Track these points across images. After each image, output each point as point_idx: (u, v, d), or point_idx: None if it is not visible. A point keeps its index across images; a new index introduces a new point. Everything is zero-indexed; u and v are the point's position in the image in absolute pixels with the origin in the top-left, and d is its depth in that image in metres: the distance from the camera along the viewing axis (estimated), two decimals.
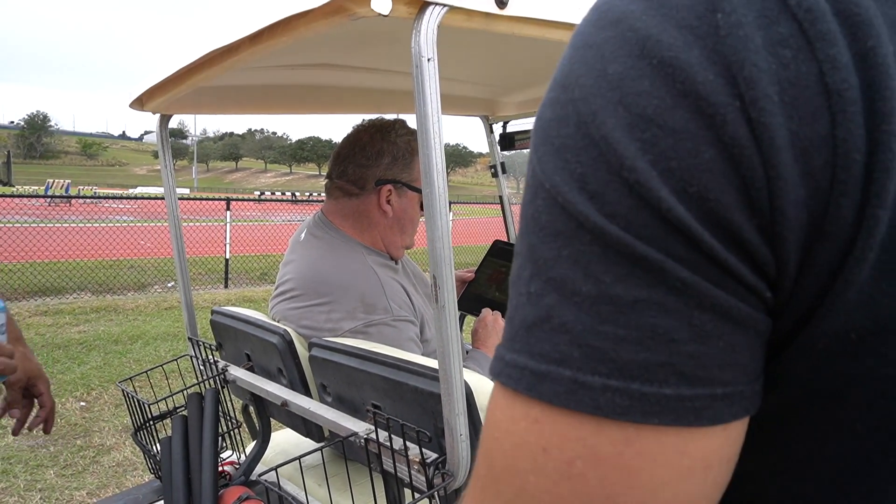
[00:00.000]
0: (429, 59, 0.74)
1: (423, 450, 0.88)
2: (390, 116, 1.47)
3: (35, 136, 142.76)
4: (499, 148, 1.91)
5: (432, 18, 0.75)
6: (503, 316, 1.05)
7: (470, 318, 1.60)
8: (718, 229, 0.25)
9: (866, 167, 0.25)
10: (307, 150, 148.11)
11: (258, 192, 57.79)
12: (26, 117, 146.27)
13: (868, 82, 0.24)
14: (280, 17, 0.83)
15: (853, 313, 0.26)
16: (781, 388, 0.29)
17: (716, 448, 0.27)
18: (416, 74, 0.75)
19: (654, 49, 0.26)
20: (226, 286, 8.16)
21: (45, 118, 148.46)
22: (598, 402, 0.26)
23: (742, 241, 0.26)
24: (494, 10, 0.79)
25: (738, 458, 0.30)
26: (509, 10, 0.80)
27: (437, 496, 0.85)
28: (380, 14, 0.73)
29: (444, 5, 0.75)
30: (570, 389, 0.27)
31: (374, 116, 1.48)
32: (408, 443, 0.88)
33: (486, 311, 1.50)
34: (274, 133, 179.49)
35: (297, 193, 48.51)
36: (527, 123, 1.86)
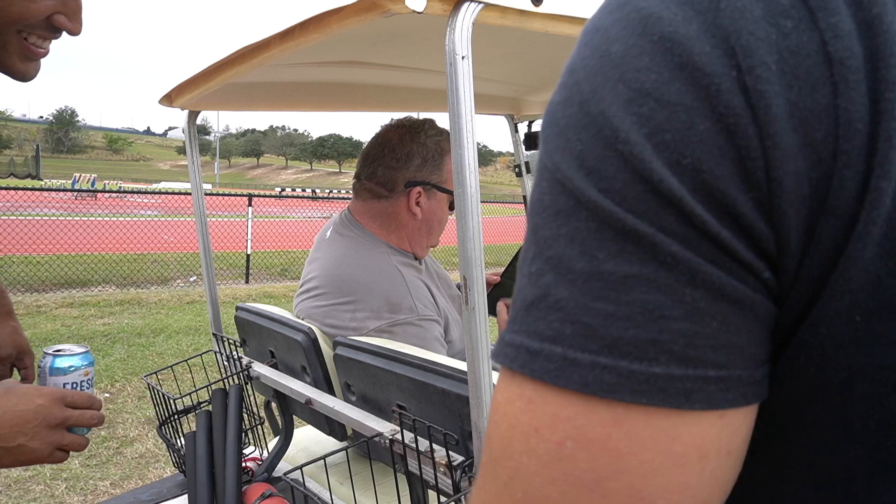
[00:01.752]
0: (463, 57, 0.73)
1: (450, 452, 0.87)
2: (415, 115, 1.46)
3: (63, 130, 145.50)
4: (523, 147, 1.89)
5: (467, 15, 0.73)
6: None
7: (494, 322, 1.59)
8: (712, 202, 0.25)
9: (869, 137, 0.23)
10: (328, 148, 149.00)
11: (279, 189, 58.27)
12: (55, 112, 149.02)
13: (872, 50, 0.24)
14: (313, 14, 0.82)
15: (858, 294, 0.24)
16: (784, 383, 0.28)
17: (712, 437, 0.26)
18: (450, 73, 0.74)
19: (655, 26, 0.26)
20: (247, 281, 8.24)
21: (73, 113, 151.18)
22: (587, 380, 0.25)
23: (737, 214, 0.25)
24: (530, 7, 0.78)
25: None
26: (544, 8, 0.79)
27: (464, 499, 0.84)
28: (414, 11, 0.72)
29: (480, 2, 0.74)
30: (560, 367, 0.26)
31: (400, 114, 1.47)
32: (434, 445, 0.88)
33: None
34: (295, 130, 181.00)
35: (318, 190, 48.85)
36: None
